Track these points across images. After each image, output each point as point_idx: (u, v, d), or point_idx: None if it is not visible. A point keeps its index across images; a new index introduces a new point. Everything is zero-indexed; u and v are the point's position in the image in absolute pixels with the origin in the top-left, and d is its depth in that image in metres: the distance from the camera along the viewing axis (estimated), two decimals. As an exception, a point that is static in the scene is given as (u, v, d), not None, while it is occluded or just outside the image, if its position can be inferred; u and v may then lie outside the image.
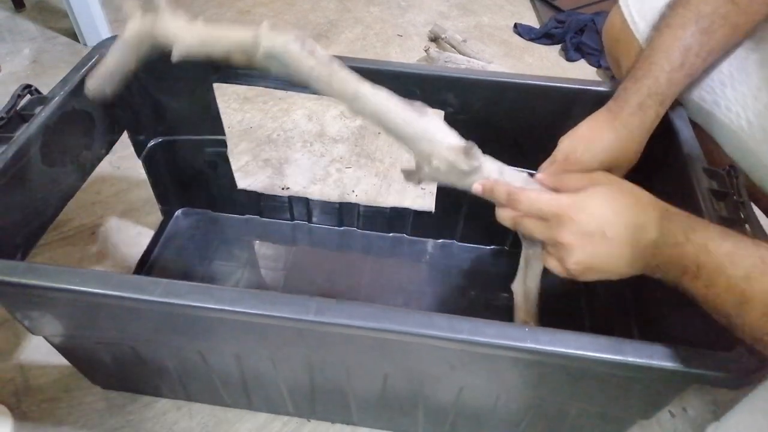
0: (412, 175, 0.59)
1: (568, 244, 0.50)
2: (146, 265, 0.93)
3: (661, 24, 0.63)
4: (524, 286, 0.63)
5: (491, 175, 0.57)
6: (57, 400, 0.78)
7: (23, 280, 0.50)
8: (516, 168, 0.59)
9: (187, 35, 0.57)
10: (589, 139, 0.63)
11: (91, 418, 0.76)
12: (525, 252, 0.63)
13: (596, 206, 0.50)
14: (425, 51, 1.46)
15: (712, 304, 0.43)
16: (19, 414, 0.76)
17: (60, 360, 0.80)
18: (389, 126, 0.55)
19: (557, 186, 0.56)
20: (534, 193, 0.54)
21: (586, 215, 0.50)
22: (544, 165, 0.65)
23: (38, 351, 0.83)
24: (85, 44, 1.47)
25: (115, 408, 0.77)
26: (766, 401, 0.43)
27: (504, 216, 0.56)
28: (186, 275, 0.93)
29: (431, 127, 0.54)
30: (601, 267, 0.50)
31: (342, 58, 0.75)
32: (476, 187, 0.57)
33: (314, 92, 0.77)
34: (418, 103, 0.55)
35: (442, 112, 0.58)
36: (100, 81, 0.64)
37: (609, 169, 0.63)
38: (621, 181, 0.54)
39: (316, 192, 1.09)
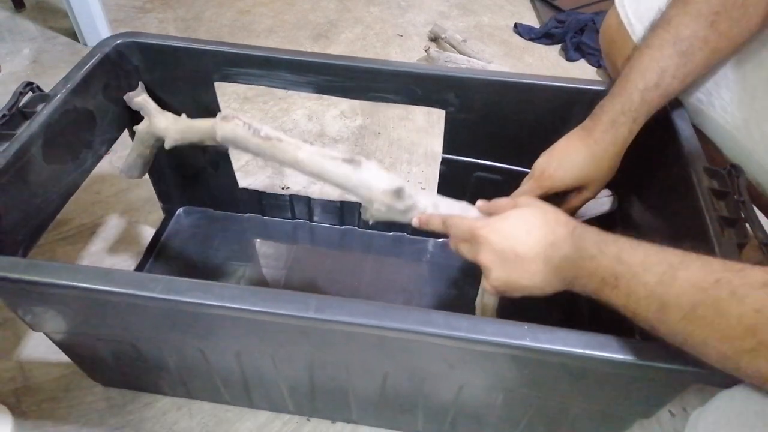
0: (364, 214, 0.64)
1: (485, 264, 0.55)
2: (148, 263, 0.94)
3: (641, 44, 0.63)
4: (482, 302, 0.66)
5: (426, 209, 0.62)
6: (57, 399, 0.78)
7: (25, 277, 0.50)
8: (454, 200, 0.65)
9: (172, 131, 0.72)
10: (563, 155, 0.66)
11: (91, 418, 0.76)
12: None
13: (508, 227, 0.54)
14: (425, 51, 1.46)
15: (635, 312, 0.44)
16: (19, 413, 0.76)
17: (60, 359, 0.81)
18: (330, 182, 0.62)
19: (491, 211, 0.60)
20: (458, 219, 0.59)
21: (498, 236, 0.54)
22: (524, 180, 0.69)
23: (38, 351, 0.83)
24: (85, 44, 1.47)
25: (115, 408, 0.77)
26: (743, 388, 0.43)
27: (449, 243, 0.61)
28: (187, 273, 0.93)
29: (365, 176, 0.60)
30: (519, 283, 0.53)
31: (343, 58, 0.76)
32: (414, 222, 0.62)
33: (314, 92, 0.79)
34: (351, 156, 0.61)
35: (374, 162, 0.62)
36: (128, 168, 0.80)
37: (584, 183, 0.66)
38: (539, 204, 0.57)
39: (316, 192, 1.09)
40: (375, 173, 0.61)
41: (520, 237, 0.53)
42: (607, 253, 0.46)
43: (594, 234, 0.49)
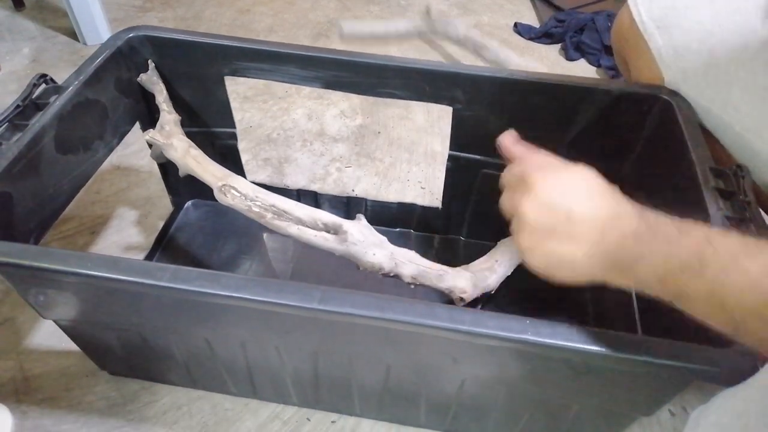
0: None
1: (524, 213, 0.45)
2: (156, 255, 0.94)
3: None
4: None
5: (406, 277, 0.68)
6: (57, 399, 0.77)
7: (37, 264, 0.51)
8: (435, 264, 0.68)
9: (182, 164, 0.75)
10: None
11: (91, 417, 0.76)
12: None
13: (569, 180, 0.46)
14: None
15: (720, 307, 0.37)
16: (19, 413, 0.76)
17: (60, 359, 0.80)
18: (320, 249, 0.67)
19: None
20: (519, 160, 0.50)
21: (550, 186, 0.45)
22: None
23: (38, 350, 0.83)
24: (85, 43, 1.47)
25: (115, 407, 0.77)
26: (745, 386, 0.43)
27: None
28: (195, 265, 0.92)
29: (351, 250, 0.66)
30: (554, 252, 0.45)
31: (351, 54, 0.77)
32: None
33: (322, 88, 0.79)
34: (338, 224, 0.66)
35: (359, 228, 0.66)
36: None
37: None
38: (596, 174, 0.48)
39: (317, 190, 1.09)
40: (360, 248, 0.65)
41: (580, 197, 0.44)
42: (692, 234, 0.39)
43: (670, 217, 0.42)
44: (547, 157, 0.51)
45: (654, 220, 0.42)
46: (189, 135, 0.90)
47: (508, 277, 0.74)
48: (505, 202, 0.49)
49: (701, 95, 0.68)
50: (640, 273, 0.41)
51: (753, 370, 0.43)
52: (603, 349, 0.47)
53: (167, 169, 0.95)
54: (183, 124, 0.82)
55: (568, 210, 0.44)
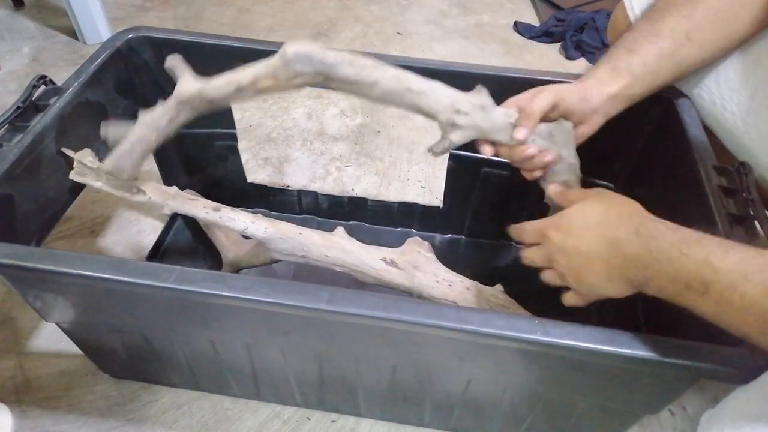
0: (437, 145, 0.61)
1: (556, 262, 0.53)
2: (156, 256, 0.94)
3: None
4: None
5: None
6: (57, 398, 0.77)
7: (40, 265, 0.51)
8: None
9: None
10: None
11: (91, 417, 0.76)
12: None
13: (568, 223, 0.53)
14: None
15: (727, 322, 0.40)
16: (19, 412, 0.75)
17: (60, 359, 0.80)
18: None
19: (562, 203, 0.58)
20: (528, 224, 0.58)
21: (559, 233, 0.53)
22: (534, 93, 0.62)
23: (38, 349, 0.82)
24: (85, 42, 1.47)
25: (115, 406, 0.77)
26: (758, 387, 0.43)
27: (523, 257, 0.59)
28: (196, 265, 0.93)
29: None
30: (589, 281, 0.51)
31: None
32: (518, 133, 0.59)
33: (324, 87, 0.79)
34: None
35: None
36: (119, 158, 0.66)
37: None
38: (603, 196, 0.55)
39: (319, 189, 1.09)
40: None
41: (580, 233, 0.51)
42: (692, 256, 0.41)
43: (669, 231, 0.44)
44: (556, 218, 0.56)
45: (653, 241, 0.44)
46: (189, 136, 0.89)
47: (507, 278, 0.74)
48: (539, 259, 0.56)
49: (696, 92, 0.69)
50: (655, 290, 0.45)
51: (763, 369, 0.43)
52: (613, 349, 0.47)
53: (167, 169, 0.95)
54: (183, 126, 0.83)
55: (576, 248, 0.51)
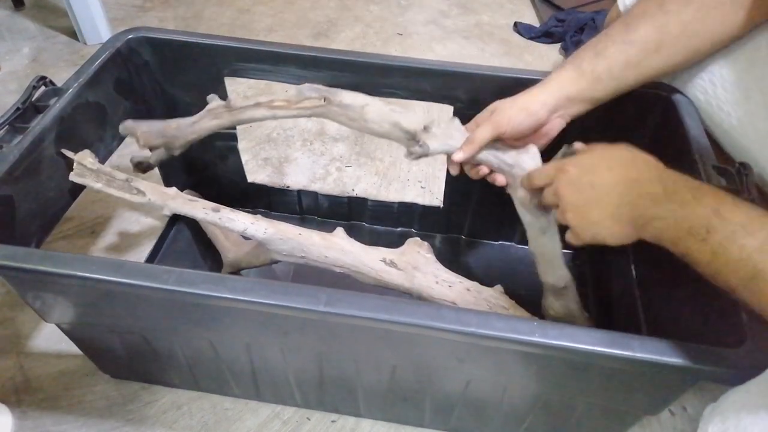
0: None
1: (561, 194, 0.54)
2: (157, 257, 0.94)
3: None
4: (539, 248, 0.66)
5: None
6: (57, 398, 0.77)
7: (40, 267, 0.51)
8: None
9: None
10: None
11: (91, 417, 0.76)
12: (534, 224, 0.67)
13: (590, 159, 0.54)
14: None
15: (717, 272, 0.42)
16: (19, 412, 0.75)
17: (60, 359, 0.80)
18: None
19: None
20: (544, 166, 0.60)
21: (578, 168, 0.54)
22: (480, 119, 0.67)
23: (38, 349, 0.82)
24: (85, 43, 1.46)
25: (115, 406, 0.77)
26: (757, 383, 0.43)
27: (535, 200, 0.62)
28: (195, 265, 0.93)
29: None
30: (589, 216, 0.52)
31: (351, 53, 0.77)
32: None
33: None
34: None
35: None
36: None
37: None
38: (632, 148, 0.54)
39: (318, 189, 1.09)
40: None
41: (600, 170, 0.52)
42: (704, 202, 0.43)
43: (689, 180, 0.47)
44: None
45: (672, 184, 0.47)
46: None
47: (507, 279, 0.74)
48: (548, 196, 0.57)
49: (689, 93, 0.69)
50: (655, 231, 0.47)
51: (762, 369, 0.43)
52: (612, 351, 0.47)
53: (167, 169, 0.95)
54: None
55: (591, 183, 0.52)
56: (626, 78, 0.63)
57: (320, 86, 0.71)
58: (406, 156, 0.68)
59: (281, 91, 1.32)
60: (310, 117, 0.73)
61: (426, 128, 0.66)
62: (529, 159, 0.64)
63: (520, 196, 0.65)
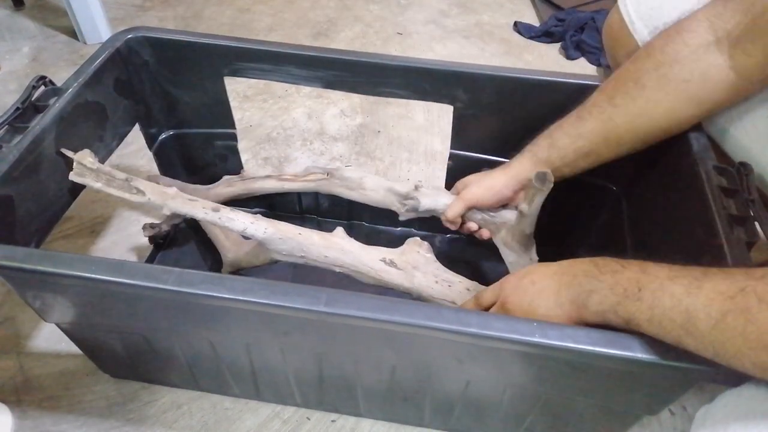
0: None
1: (509, 304, 0.57)
2: (156, 257, 0.94)
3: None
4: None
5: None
6: (57, 398, 0.77)
7: (40, 267, 0.51)
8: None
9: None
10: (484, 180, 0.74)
11: (91, 417, 0.76)
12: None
13: (524, 270, 0.58)
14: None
15: (660, 326, 0.43)
16: (19, 412, 0.75)
17: (60, 358, 0.80)
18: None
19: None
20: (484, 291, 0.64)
21: (516, 276, 0.58)
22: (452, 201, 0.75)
23: (38, 349, 0.82)
24: (85, 42, 1.47)
25: (115, 406, 0.77)
26: (751, 386, 0.43)
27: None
28: (195, 265, 0.93)
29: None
30: (537, 311, 0.54)
31: (351, 53, 0.77)
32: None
33: (322, 87, 0.79)
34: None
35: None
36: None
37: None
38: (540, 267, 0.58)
39: (317, 190, 1.09)
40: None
41: (538, 270, 0.56)
42: (631, 268, 0.47)
43: (617, 258, 0.50)
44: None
45: (601, 260, 0.51)
46: (189, 136, 0.90)
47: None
48: (498, 310, 0.60)
49: None
50: (597, 306, 0.49)
51: None
52: (612, 351, 0.47)
53: (167, 169, 0.95)
54: (182, 126, 0.83)
55: (531, 281, 0.55)
56: (579, 165, 0.68)
57: (324, 166, 0.84)
58: (399, 213, 0.78)
59: (281, 90, 1.33)
60: (315, 190, 0.85)
61: (417, 188, 0.76)
62: (507, 213, 0.74)
63: (502, 237, 0.74)
